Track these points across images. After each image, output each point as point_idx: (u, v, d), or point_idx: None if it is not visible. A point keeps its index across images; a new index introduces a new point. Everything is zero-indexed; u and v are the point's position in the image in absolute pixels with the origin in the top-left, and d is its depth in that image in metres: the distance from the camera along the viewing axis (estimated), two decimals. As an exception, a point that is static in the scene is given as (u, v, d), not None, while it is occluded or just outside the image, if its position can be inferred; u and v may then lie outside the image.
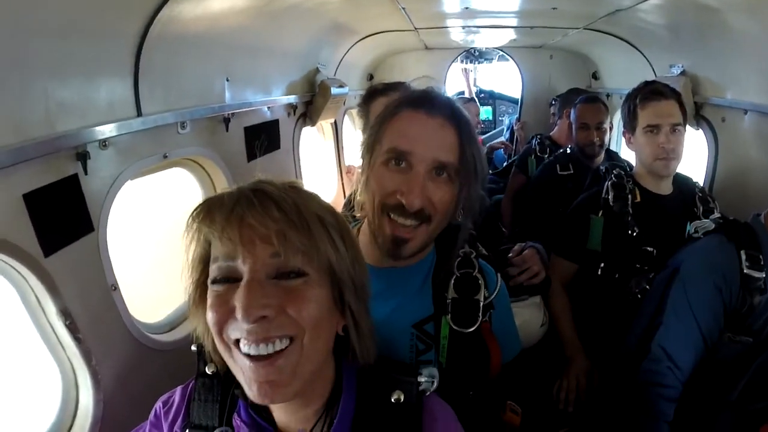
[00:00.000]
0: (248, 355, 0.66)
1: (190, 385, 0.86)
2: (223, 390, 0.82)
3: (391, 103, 1.06)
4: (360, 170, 1.08)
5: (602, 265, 1.87)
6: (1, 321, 1.15)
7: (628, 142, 1.94)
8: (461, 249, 1.13)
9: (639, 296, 1.75)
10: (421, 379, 0.80)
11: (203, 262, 0.74)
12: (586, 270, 1.91)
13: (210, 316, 0.68)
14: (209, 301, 0.69)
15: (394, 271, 1.06)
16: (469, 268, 1.10)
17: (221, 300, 0.67)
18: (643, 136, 1.84)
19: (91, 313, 1.27)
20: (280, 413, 0.77)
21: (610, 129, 2.87)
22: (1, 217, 1.04)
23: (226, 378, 0.80)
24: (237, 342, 0.67)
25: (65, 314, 1.16)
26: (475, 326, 1.05)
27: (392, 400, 0.77)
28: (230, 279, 0.68)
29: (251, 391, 0.68)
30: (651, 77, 2.91)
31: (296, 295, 0.68)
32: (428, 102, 1.01)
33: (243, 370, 0.68)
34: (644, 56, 3.05)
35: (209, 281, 0.70)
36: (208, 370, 0.82)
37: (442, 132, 0.99)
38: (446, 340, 1.05)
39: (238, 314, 0.65)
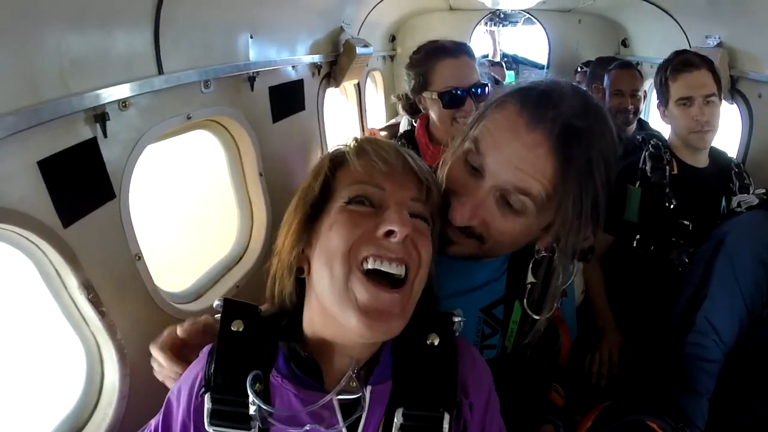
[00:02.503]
0: (375, 273, 0.66)
1: (203, 353, 0.76)
2: (258, 345, 0.72)
3: (508, 87, 0.86)
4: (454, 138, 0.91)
5: (638, 237, 1.76)
6: (19, 298, 1.05)
7: (663, 115, 1.82)
8: None
9: (680, 269, 1.66)
10: (456, 319, 0.76)
11: (322, 190, 0.72)
12: (621, 242, 1.80)
13: (345, 232, 0.67)
14: (343, 218, 0.68)
15: (477, 262, 0.94)
16: (549, 252, 0.95)
17: (361, 219, 0.68)
18: (676, 108, 1.74)
19: (115, 285, 1.17)
20: (330, 363, 0.72)
21: (644, 97, 2.65)
22: (15, 186, 0.92)
23: (264, 329, 0.73)
24: (361, 264, 0.66)
25: (87, 287, 1.05)
26: (550, 313, 0.93)
27: (427, 343, 0.74)
28: (365, 203, 0.69)
29: (362, 320, 0.65)
30: (685, 47, 2.71)
31: (421, 233, 0.71)
32: (540, 107, 0.78)
33: (358, 294, 0.65)
34: (679, 24, 2.80)
35: (341, 202, 0.69)
36: (234, 327, 0.72)
37: (532, 154, 0.77)
38: (516, 325, 0.95)
39: (392, 226, 0.66)
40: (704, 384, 1.28)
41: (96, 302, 1.07)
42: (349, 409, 0.68)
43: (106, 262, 1.16)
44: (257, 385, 0.68)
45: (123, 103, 1.20)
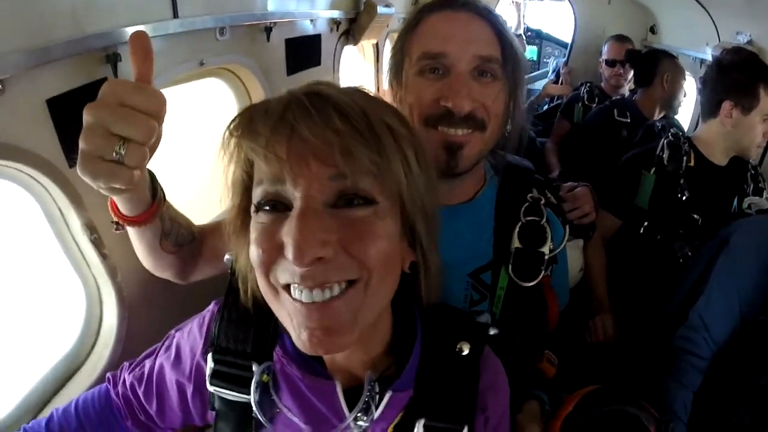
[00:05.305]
0: (300, 302, 0.53)
1: (210, 309, 0.74)
2: (263, 316, 0.66)
3: (408, 16, 0.93)
4: (390, 94, 0.93)
5: (645, 224, 1.74)
6: (22, 237, 1.04)
7: (727, 116, 1.66)
8: (529, 194, 0.98)
9: (681, 261, 1.65)
10: (492, 331, 0.71)
11: (244, 185, 0.59)
12: (628, 228, 1.78)
13: (254, 253, 0.54)
14: (253, 234, 0.55)
15: (448, 209, 0.90)
16: (537, 216, 0.95)
17: (267, 234, 0.53)
18: (761, 123, 1.63)
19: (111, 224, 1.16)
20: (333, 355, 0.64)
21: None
22: (22, 124, 0.89)
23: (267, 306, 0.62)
24: (287, 287, 0.53)
25: (90, 228, 1.04)
26: (536, 280, 0.93)
27: (456, 349, 0.67)
28: (277, 206, 0.53)
29: (300, 340, 0.53)
30: (714, 41, 2.62)
31: (362, 229, 0.53)
32: (450, 2, 0.89)
33: (292, 316, 0.54)
34: (710, 17, 2.68)
35: (252, 210, 0.56)
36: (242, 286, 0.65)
37: (474, 25, 0.86)
38: (503, 291, 0.94)
39: (289, 253, 0.50)
40: (690, 378, 1.29)
41: (98, 244, 1.06)
42: (354, 399, 0.63)
43: (111, 205, 1.15)
44: (265, 375, 0.64)
45: (136, 45, 1.15)
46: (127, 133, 0.58)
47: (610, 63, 3.00)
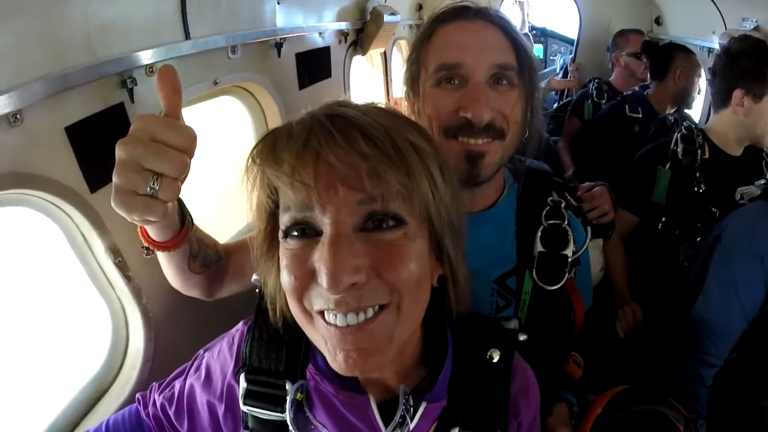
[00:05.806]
0: (335, 326, 0.52)
1: (239, 329, 0.72)
2: (293, 335, 0.65)
3: (422, 26, 0.91)
4: (406, 105, 0.92)
5: (663, 219, 1.69)
6: (46, 262, 1.04)
7: (739, 104, 1.60)
8: (549, 197, 0.96)
9: (685, 264, 1.60)
10: (522, 337, 0.70)
11: (269, 210, 0.59)
12: (646, 224, 1.73)
13: (286, 280, 0.53)
14: (283, 261, 0.54)
15: (470, 217, 0.89)
16: (558, 220, 0.93)
17: (298, 260, 0.52)
18: None
19: (141, 250, 1.15)
20: None
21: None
22: (42, 152, 0.89)
23: (297, 326, 0.61)
24: (321, 312, 0.53)
25: (114, 252, 1.04)
26: (561, 284, 0.91)
27: (487, 357, 0.67)
28: (306, 232, 0.53)
29: (336, 362, 0.53)
30: (720, 29, 2.55)
31: (393, 252, 0.52)
32: (463, 11, 0.87)
33: (326, 339, 0.54)
34: (715, 4, 2.61)
35: (280, 236, 0.55)
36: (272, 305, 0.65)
37: (488, 33, 0.85)
38: (528, 296, 0.92)
39: (323, 281, 0.49)
40: (700, 373, 1.26)
41: (123, 266, 1.06)
42: (387, 412, 0.62)
43: (133, 226, 1.14)
44: (299, 394, 0.63)
45: (150, 68, 1.15)
46: (161, 169, 0.58)
47: (639, 56, 2.88)
